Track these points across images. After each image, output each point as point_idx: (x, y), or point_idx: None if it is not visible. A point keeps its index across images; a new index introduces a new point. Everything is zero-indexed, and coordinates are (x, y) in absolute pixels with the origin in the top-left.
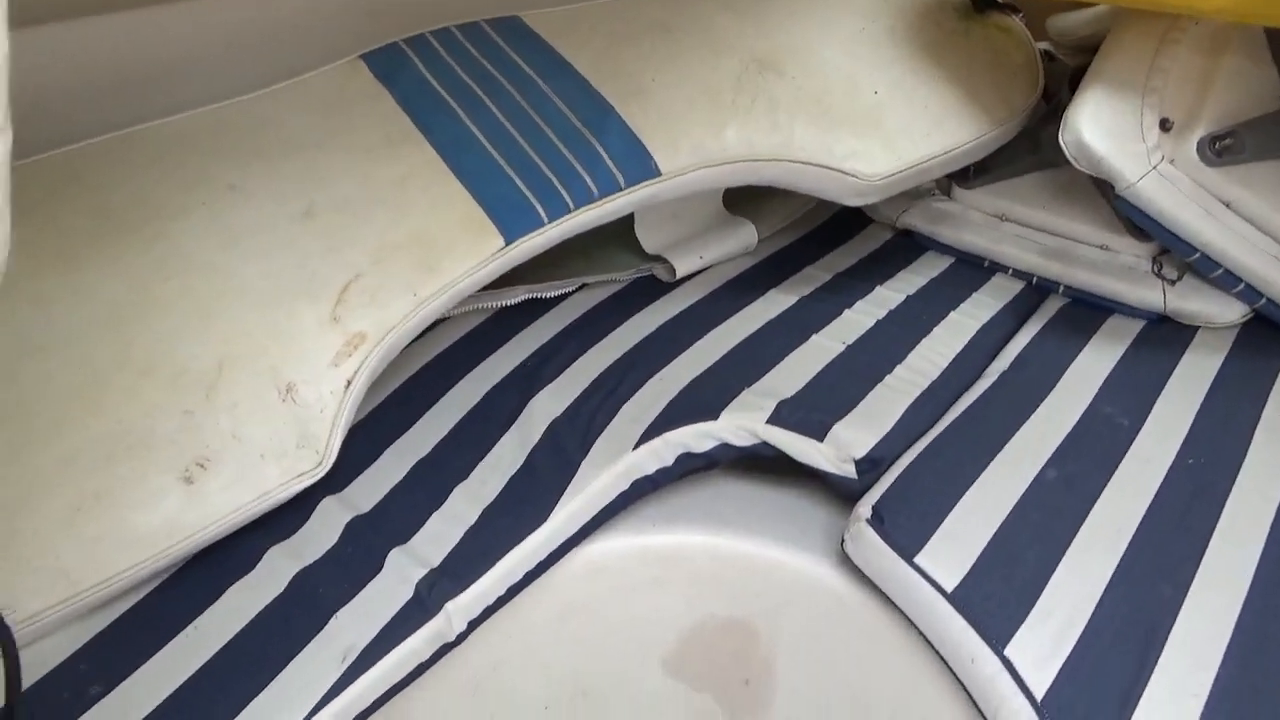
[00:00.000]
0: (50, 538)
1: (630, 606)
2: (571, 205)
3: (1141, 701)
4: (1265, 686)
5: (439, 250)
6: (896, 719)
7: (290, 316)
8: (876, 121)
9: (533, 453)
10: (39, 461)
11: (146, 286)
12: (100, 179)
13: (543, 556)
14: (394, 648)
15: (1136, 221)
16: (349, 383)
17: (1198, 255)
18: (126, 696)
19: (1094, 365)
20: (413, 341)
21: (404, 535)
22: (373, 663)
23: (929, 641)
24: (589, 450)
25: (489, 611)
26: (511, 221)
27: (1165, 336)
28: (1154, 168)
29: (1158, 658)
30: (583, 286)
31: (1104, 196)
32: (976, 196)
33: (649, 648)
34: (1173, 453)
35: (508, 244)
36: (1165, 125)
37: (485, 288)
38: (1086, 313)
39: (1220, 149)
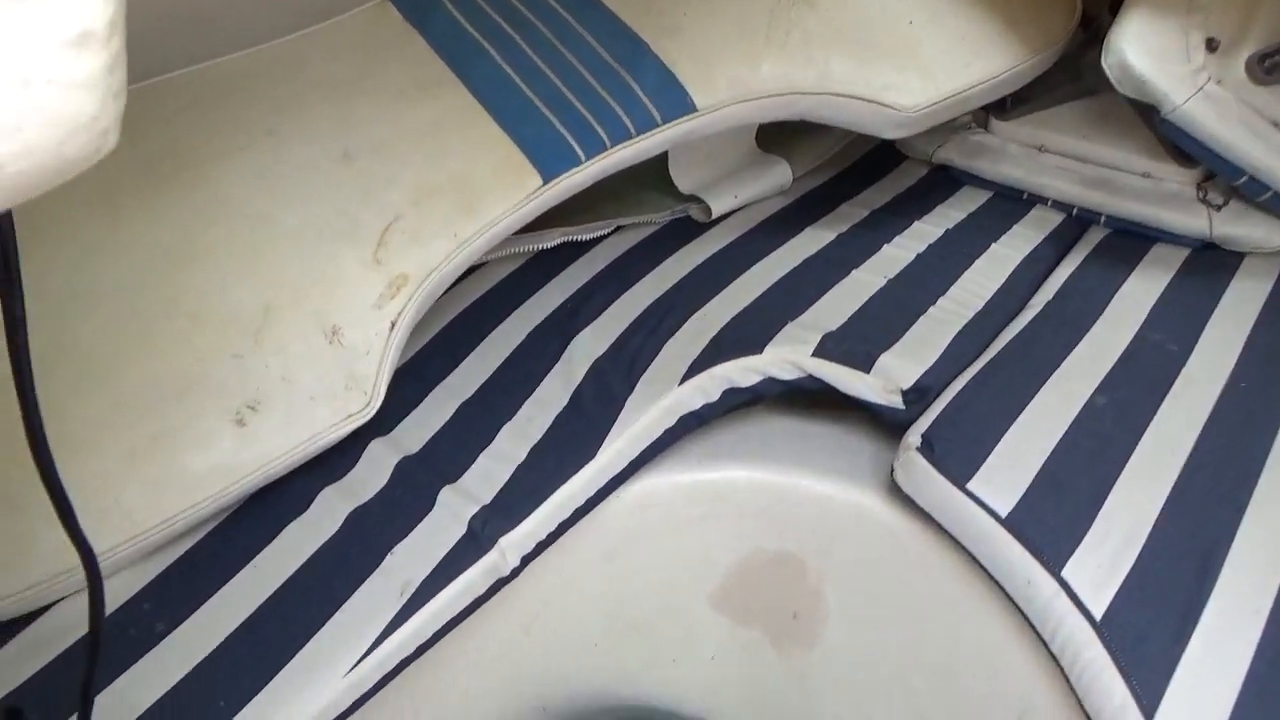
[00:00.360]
0: (111, 480)
1: (677, 542)
2: (608, 142)
3: (1202, 619)
4: None
5: (477, 191)
6: (950, 646)
7: (332, 260)
8: (913, 52)
9: (577, 392)
10: (96, 406)
11: (190, 233)
12: (137, 127)
13: (591, 493)
14: (450, 582)
15: (1182, 146)
16: (393, 324)
17: (1245, 178)
18: (191, 633)
19: (1139, 294)
20: (451, 287)
21: (454, 474)
22: (430, 597)
23: (982, 568)
24: (634, 388)
25: (541, 547)
26: (549, 160)
27: (1211, 263)
28: (1200, 89)
29: (1216, 578)
30: (618, 229)
31: (1146, 122)
32: (1014, 128)
33: (696, 582)
34: (1224, 377)
35: (545, 183)
36: (1211, 45)
37: (521, 230)
38: (1129, 242)
39: (1270, 67)
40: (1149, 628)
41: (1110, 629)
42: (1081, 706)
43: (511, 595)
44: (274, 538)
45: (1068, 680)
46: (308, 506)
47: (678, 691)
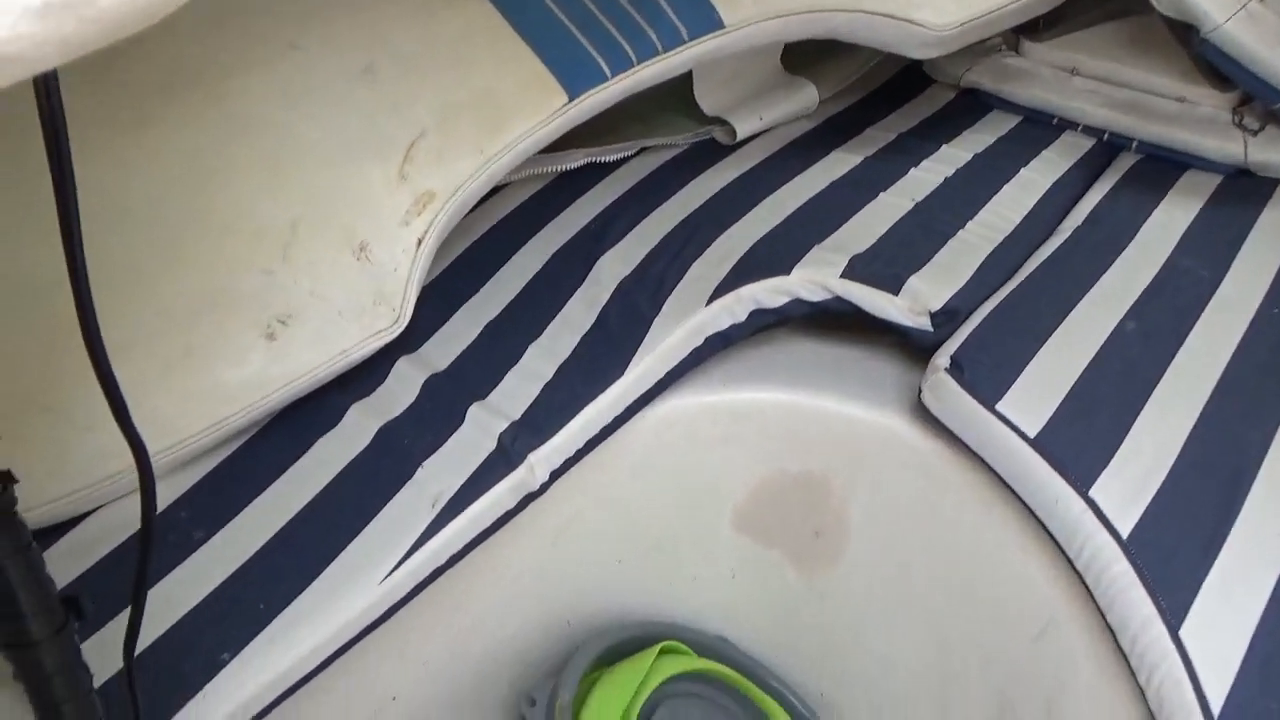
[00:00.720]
0: (147, 390)
1: (702, 462)
2: (634, 59)
3: (1228, 540)
4: None
5: (503, 108)
6: (972, 565)
7: (358, 176)
8: None
9: (604, 311)
10: (130, 319)
11: (215, 148)
12: (159, 41)
13: (619, 411)
14: (481, 495)
15: (1220, 67)
16: (420, 241)
17: None
18: (229, 539)
19: (1171, 220)
20: (475, 208)
21: (482, 391)
22: (462, 509)
23: (1008, 488)
24: (661, 307)
25: (569, 464)
26: (574, 77)
27: (1245, 190)
28: (1243, 6)
29: (1244, 499)
30: (641, 151)
31: (1183, 43)
32: (1046, 50)
33: (719, 502)
34: (1256, 303)
35: (571, 100)
36: None
37: (545, 151)
38: (1161, 168)
39: None
40: (1176, 546)
41: (1137, 546)
42: (1105, 622)
43: (538, 511)
44: (305, 452)
45: (1091, 597)
46: (338, 422)
47: (698, 608)
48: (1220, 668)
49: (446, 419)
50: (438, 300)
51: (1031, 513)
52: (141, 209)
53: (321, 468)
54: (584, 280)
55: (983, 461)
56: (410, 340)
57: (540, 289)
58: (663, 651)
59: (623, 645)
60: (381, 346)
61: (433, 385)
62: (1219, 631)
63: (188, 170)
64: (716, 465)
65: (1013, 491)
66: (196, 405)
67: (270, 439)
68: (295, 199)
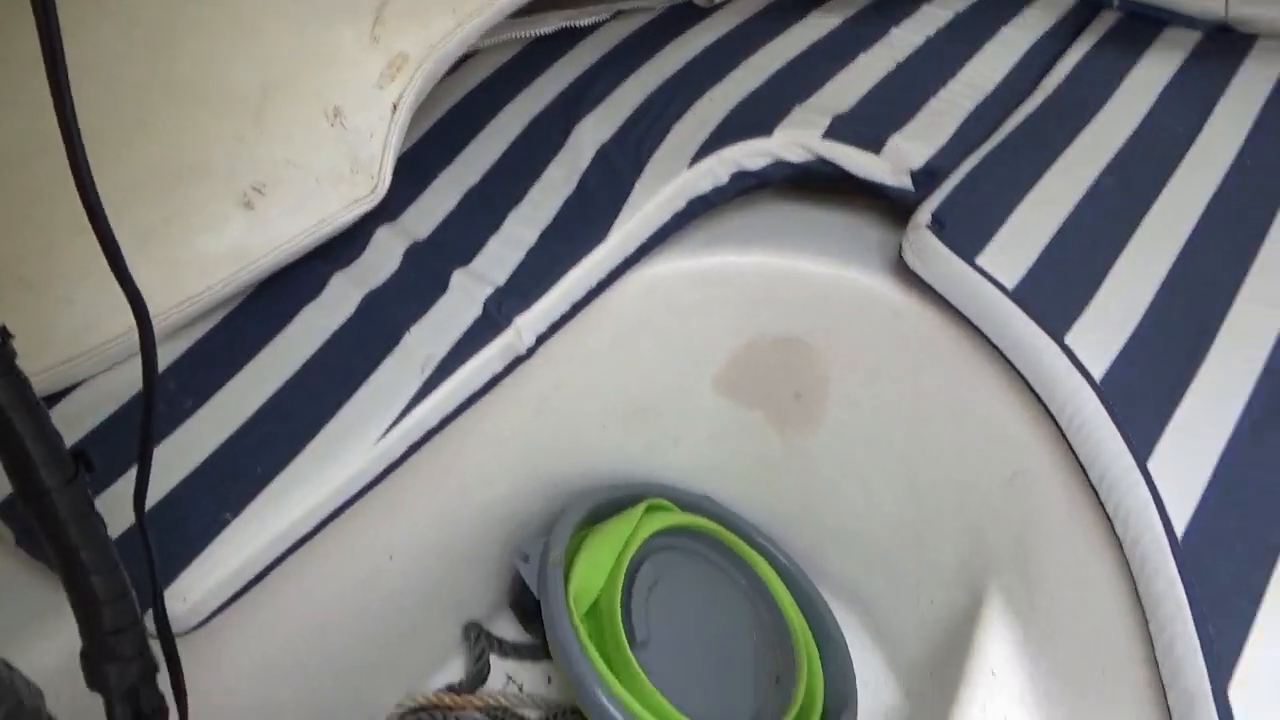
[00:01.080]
0: (126, 260)
1: (684, 327)
2: None
3: (1195, 382)
4: None
5: None
6: (950, 418)
7: (329, 38)
8: None
9: (584, 176)
10: (104, 188)
11: (183, 7)
12: None
13: (603, 275)
14: (469, 358)
15: None
16: (395, 106)
17: None
18: (220, 408)
19: (1150, 77)
20: (449, 74)
21: (465, 258)
22: (451, 372)
23: (988, 341)
24: (642, 171)
25: (554, 328)
26: None
27: (1223, 47)
28: None
29: (1211, 343)
30: (617, 14)
31: None
32: None
33: (701, 366)
34: (1230, 158)
35: None
36: None
37: (517, 15)
38: (1141, 25)
39: None
40: (1146, 388)
41: (1109, 389)
42: (1077, 462)
43: (525, 376)
44: (290, 321)
45: (1065, 439)
46: (321, 291)
47: (682, 470)
48: (1184, 494)
49: (431, 286)
50: (415, 169)
51: (1009, 363)
52: (106, 74)
53: (308, 336)
54: (563, 145)
55: (962, 316)
56: (389, 209)
57: (519, 155)
58: (649, 509)
59: (610, 504)
60: (361, 215)
61: (415, 253)
62: (1184, 463)
63: (150, 33)
64: (698, 330)
65: (991, 344)
66: (178, 275)
67: (254, 310)
68: (265, 63)
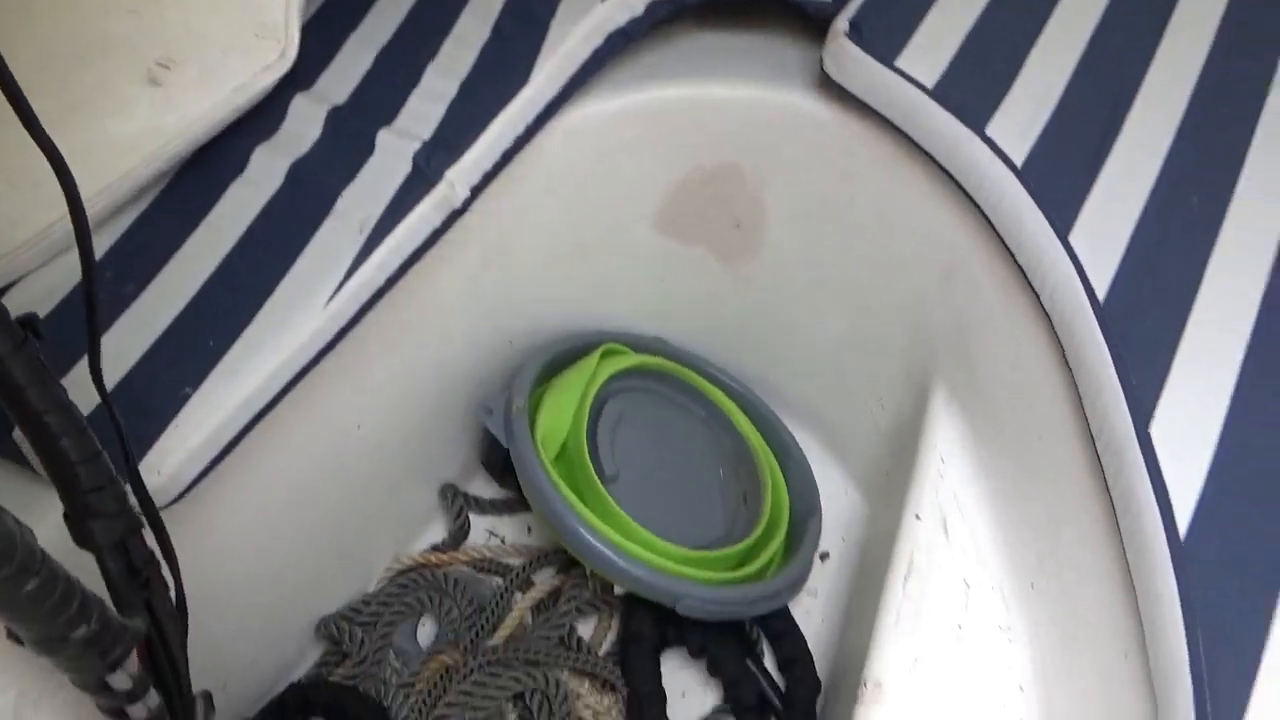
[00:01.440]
0: (35, 154)
1: (616, 168)
2: None
3: (1109, 159)
4: (1210, 162)
5: None
6: (884, 224)
7: None
8: None
9: (499, 22)
10: None
11: None
12: None
13: (529, 119)
14: (406, 215)
15: None
16: None
17: None
18: (163, 288)
19: None
20: None
21: (387, 117)
22: (389, 230)
23: (913, 143)
24: (556, 10)
25: (487, 178)
26: None
27: None
28: None
29: (1123, 123)
30: None
31: None
32: None
33: (638, 206)
34: None
35: None
36: None
37: None
38: None
39: None
40: (1064, 167)
41: (1030, 173)
42: (1006, 248)
43: (465, 231)
44: (219, 198)
45: (993, 227)
46: (245, 166)
47: (632, 315)
48: (1104, 263)
49: (356, 149)
50: (324, 33)
51: (933, 160)
52: None
53: (240, 211)
54: None
55: (886, 121)
56: (303, 76)
57: (428, 8)
58: (605, 354)
59: (567, 354)
60: (274, 82)
61: (336, 118)
62: (1103, 234)
63: None
64: (631, 169)
65: (916, 145)
66: (94, 163)
67: (181, 192)
68: None
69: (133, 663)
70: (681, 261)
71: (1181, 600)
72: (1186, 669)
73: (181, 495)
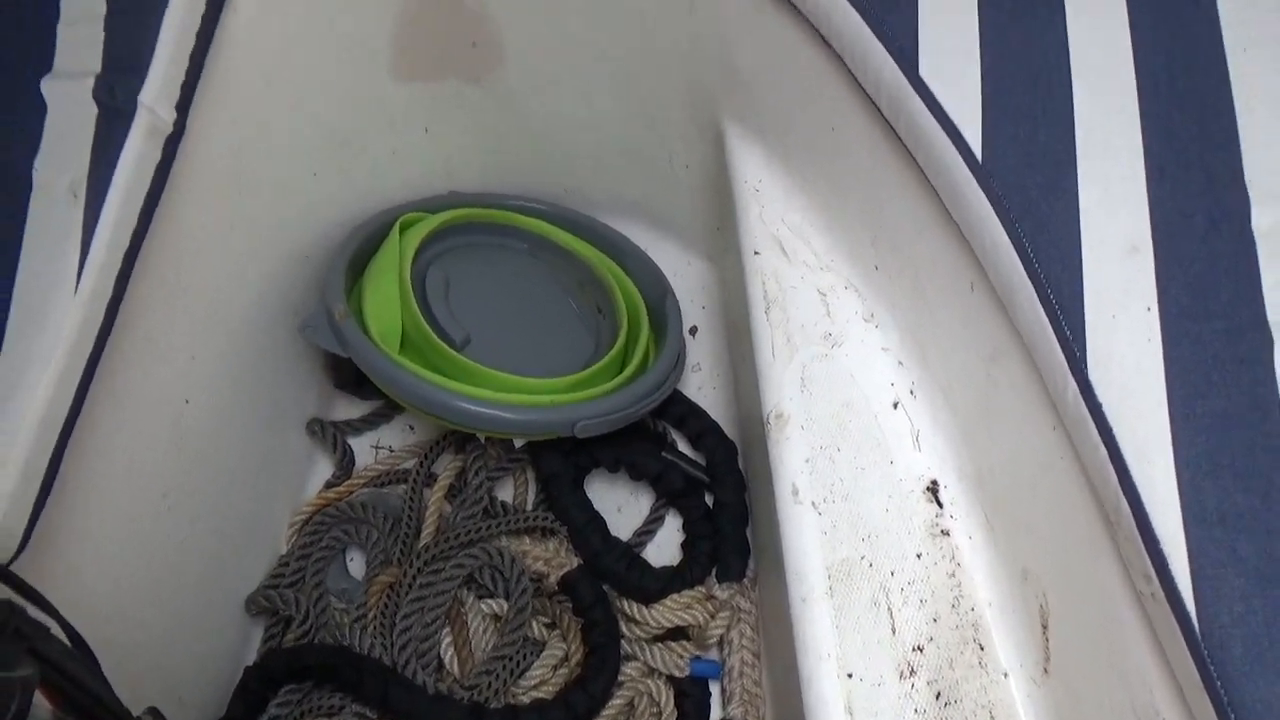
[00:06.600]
0: None
1: (327, 27)
2: None
3: None
4: None
5: None
6: None
7: None
8: None
9: None
10: None
11: None
12: None
13: (203, 7)
14: (117, 161)
15: None
16: None
17: None
18: None
19: None
20: None
21: (43, 63)
22: (106, 184)
23: None
24: None
25: (190, 89)
26: None
27: None
28: None
29: None
30: None
31: None
32: None
33: (372, 63)
34: None
35: None
36: None
37: None
38: None
39: None
40: None
41: None
42: None
43: (196, 155)
44: None
45: None
46: None
47: (417, 178)
48: (968, 112)
49: (25, 109)
50: None
51: None
52: None
53: None
54: None
55: None
56: None
57: None
58: (403, 227)
59: (366, 244)
60: None
61: None
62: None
63: None
64: (343, 22)
65: None
66: None
67: None
68: None
69: (42, 707)
70: (437, 101)
71: (995, 208)
72: (1019, 264)
73: (25, 541)
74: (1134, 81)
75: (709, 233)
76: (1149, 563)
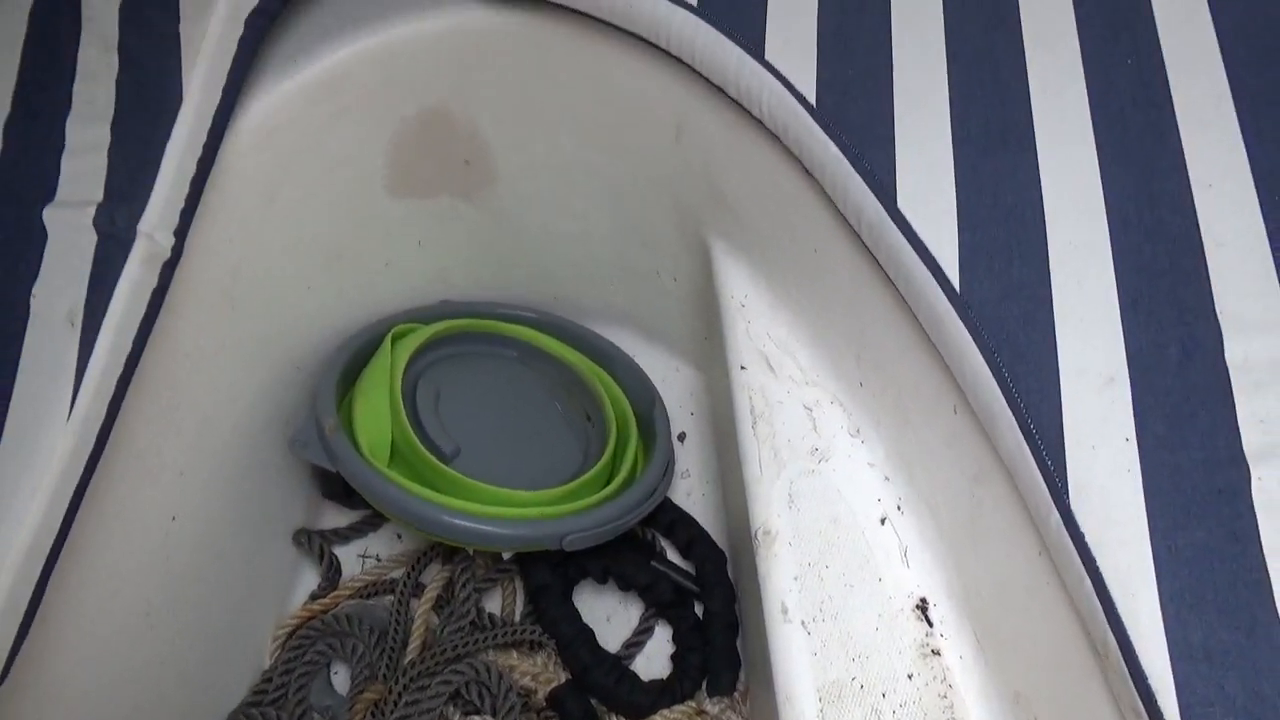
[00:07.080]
0: None
1: (324, 150)
2: None
3: None
4: None
5: None
6: (608, 106)
7: None
8: None
9: (121, 43)
10: None
11: None
12: None
13: (204, 135)
14: (115, 288)
15: None
16: None
17: None
18: None
19: None
20: None
21: (46, 193)
22: (103, 311)
23: (594, 19)
24: (176, 13)
25: (188, 215)
26: None
27: None
28: None
29: None
30: None
31: None
32: None
33: (365, 180)
34: None
35: None
36: None
37: None
38: None
39: None
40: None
41: (708, 9)
42: (717, 88)
43: (191, 278)
44: None
45: (698, 73)
46: None
47: (407, 291)
48: (803, 63)
49: (26, 238)
50: None
51: (621, 30)
52: None
53: None
54: (79, 22)
55: (563, 8)
56: None
57: (35, 57)
58: (396, 338)
59: (357, 355)
60: None
61: None
62: (792, 37)
63: None
64: (338, 144)
65: (598, 20)
66: None
67: None
68: None
69: None
70: (431, 216)
71: (974, 338)
72: (999, 393)
73: (4, 674)
74: (1104, 214)
75: (697, 341)
76: (1138, 699)
